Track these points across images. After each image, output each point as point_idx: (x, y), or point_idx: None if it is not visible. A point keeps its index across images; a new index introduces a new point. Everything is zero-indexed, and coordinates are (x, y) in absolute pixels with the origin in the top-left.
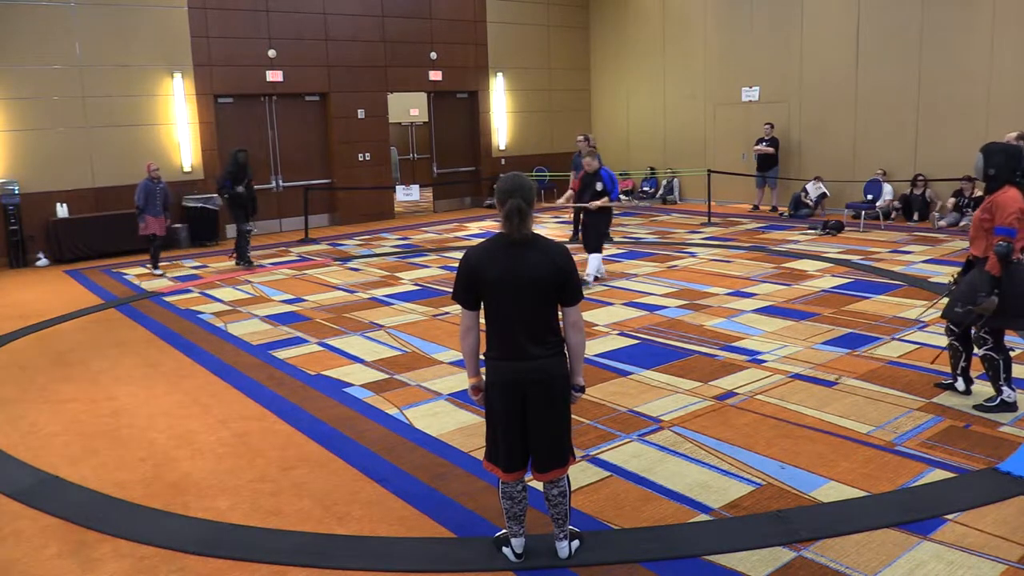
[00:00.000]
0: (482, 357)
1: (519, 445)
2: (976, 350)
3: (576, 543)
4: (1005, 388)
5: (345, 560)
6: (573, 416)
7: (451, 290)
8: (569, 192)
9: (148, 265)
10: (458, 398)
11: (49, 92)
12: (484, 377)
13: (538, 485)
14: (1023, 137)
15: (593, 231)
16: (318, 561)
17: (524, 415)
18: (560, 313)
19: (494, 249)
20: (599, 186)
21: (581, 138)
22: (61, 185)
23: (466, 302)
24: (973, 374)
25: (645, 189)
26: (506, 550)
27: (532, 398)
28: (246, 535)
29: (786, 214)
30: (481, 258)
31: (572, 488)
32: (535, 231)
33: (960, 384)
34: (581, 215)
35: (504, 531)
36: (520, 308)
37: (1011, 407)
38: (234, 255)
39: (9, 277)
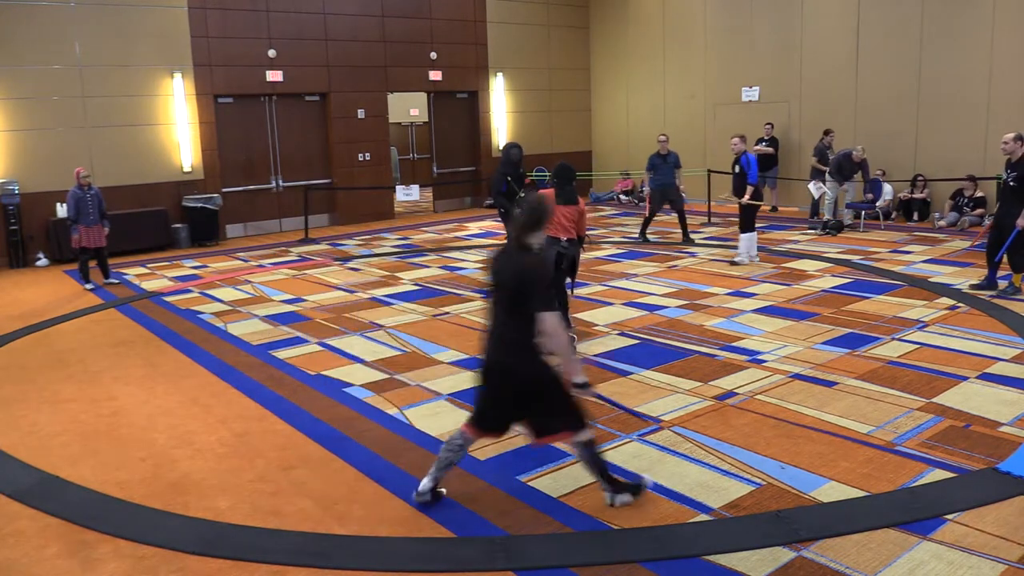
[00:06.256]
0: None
1: None
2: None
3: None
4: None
5: (345, 560)
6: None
7: (484, 290)
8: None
9: (83, 281)
10: (458, 398)
11: (49, 92)
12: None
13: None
14: (1020, 138)
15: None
16: (318, 561)
17: None
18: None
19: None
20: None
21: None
22: (61, 185)
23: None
24: None
25: (645, 189)
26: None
27: None
28: (246, 535)
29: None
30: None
31: (573, 488)
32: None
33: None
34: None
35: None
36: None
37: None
38: None
39: (9, 277)
